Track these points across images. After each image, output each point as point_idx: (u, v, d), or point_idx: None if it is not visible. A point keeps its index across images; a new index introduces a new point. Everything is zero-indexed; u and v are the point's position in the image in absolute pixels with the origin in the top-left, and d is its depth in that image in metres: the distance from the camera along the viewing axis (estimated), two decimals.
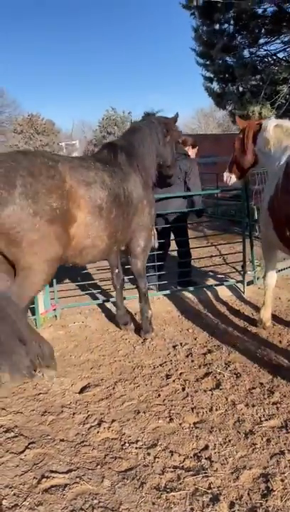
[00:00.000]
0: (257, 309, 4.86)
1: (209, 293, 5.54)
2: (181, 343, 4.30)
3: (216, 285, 5.69)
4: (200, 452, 2.71)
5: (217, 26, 8.44)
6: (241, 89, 8.62)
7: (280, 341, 4.26)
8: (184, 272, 5.77)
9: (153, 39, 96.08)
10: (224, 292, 5.58)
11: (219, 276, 6.26)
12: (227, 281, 5.85)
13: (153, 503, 2.31)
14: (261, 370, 3.69)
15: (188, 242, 5.87)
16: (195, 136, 21.27)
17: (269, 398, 3.26)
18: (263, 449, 2.70)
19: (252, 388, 3.41)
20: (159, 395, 3.37)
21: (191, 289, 5.50)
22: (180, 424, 3.00)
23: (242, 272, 5.73)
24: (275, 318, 4.74)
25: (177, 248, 5.85)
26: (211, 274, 6.40)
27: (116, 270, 4.63)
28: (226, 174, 4.70)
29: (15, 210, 2.96)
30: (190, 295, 5.47)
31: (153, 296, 5.23)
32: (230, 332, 4.52)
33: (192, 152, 5.94)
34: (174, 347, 4.23)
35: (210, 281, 5.99)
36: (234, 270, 6.35)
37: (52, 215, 3.12)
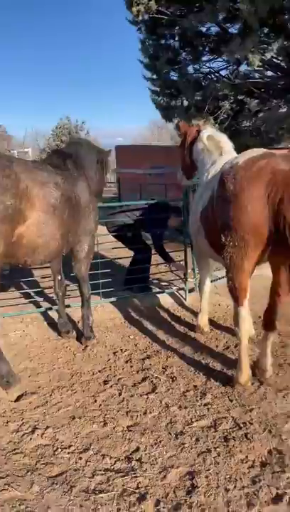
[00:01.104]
0: (197, 315, 5.02)
1: (152, 300, 5.65)
2: (122, 349, 4.37)
3: (159, 292, 5.82)
4: (131, 454, 2.78)
5: (162, 41, 8.71)
6: (186, 103, 8.92)
7: (216, 346, 4.44)
8: (141, 277, 5.89)
9: (113, 48, 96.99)
10: (167, 299, 5.72)
11: (163, 283, 6.39)
12: (170, 288, 6.00)
13: (81, 506, 2.35)
14: (196, 373, 3.83)
15: (146, 249, 6.00)
16: (146, 148, 21.48)
17: (201, 400, 3.39)
18: (191, 448, 2.81)
19: (186, 391, 3.54)
20: (96, 401, 3.42)
21: (135, 296, 5.59)
22: (113, 428, 3.06)
23: (184, 280, 5.90)
24: (214, 323, 4.93)
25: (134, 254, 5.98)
26: (156, 281, 6.53)
27: (59, 277, 4.64)
28: (179, 173, 4.92)
29: None
30: (133, 302, 5.55)
31: (97, 304, 5.27)
32: (170, 338, 4.64)
33: None
34: (114, 353, 4.29)
35: (154, 289, 6.11)
36: (178, 278, 6.52)
37: (4, 213, 3.14)
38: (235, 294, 3.38)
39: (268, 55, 6.23)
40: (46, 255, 3.78)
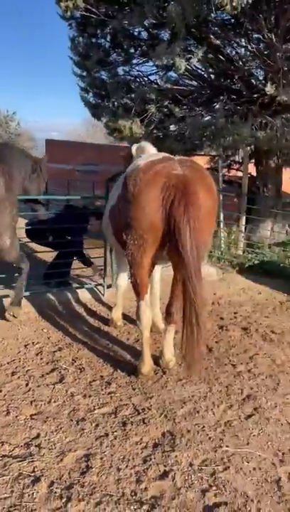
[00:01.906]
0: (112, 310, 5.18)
1: (70, 295, 5.71)
2: (33, 342, 4.40)
3: (77, 288, 5.90)
4: (31, 441, 2.86)
5: (93, 40, 8.77)
6: (115, 103, 9.06)
7: (127, 339, 4.62)
8: (61, 272, 5.91)
9: (47, 39, 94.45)
10: (85, 295, 5.80)
11: (82, 279, 6.47)
12: (88, 284, 6.09)
13: None
14: (104, 364, 3.98)
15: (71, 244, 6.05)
16: (78, 145, 21.32)
17: (106, 389, 3.54)
18: (90, 433, 2.95)
19: (93, 381, 3.67)
20: (1, 391, 3.43)
21: (52, 290, 5.62)
22: (16, 416, 3.11)
23: (102, 276, 6.03)
24: (127, 318, 5.11)
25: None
26: (75, 277, 6.58)
27: None
28: None
29: None
30: (50, 297, 5.57)
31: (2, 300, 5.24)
32: (84, 331, 4.75)
33: None
34: (25, 346, 4.32)
35: (73, 284, 6.16)
36: (98, 274, 6.63)
37: None
38: (136, 288, 3.59)
39: (193, 61, 6.54)
40: None
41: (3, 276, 5.31)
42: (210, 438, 2.94)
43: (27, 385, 3.56)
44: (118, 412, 3.21)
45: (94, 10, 7.21)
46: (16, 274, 4.85)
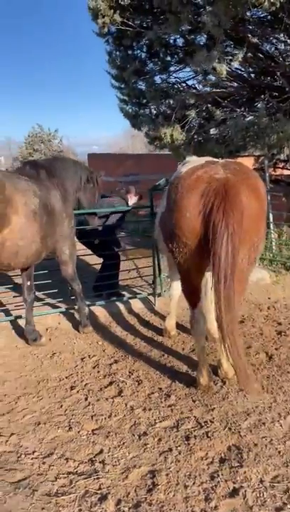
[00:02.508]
0: (165, 320, 5.11)
1: (121, 306, 5.71)
2: (89, 355, 4.41)
3: (129, 298, 5.89)
4: (94, 457, 2.83)
5: (129, 52, 8.85)
6: (154, 112, 9.07)
7: (183, 348, 4.54)
8: (111, 283, 5.95)
9: (82, 55, 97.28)
10: (136, 305, 5.79)
11: (133, 289, 6.46)
12: (139, 293, 6.07)
13: (43, 508, 2.38)
14: (161, 376, 3.91)
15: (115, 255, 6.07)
16: (118, 156, 21.68)
17: (166, 401, 3.47)
18: (153, 448, 2.88)
19: (151, 393, 3.61)
20: (61, 406, 3.45)
21: (103, 303, 5.64)
22: (78, 432, 3.10)
23: (152, 285, 6.00)
24: (181, 327, 5.03)
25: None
26: (126, 287, 6.59)
27: (28, 283, 4.69)
28: None
29: None
30: (103, 309, 5.59)
31: (58, 314, 5.32)
32: (138, 342, 4.71)
33: (132, 199, 6.23)
34: (82, 359, 4.33)
35: (124, 295, 6.16)
36: (147, 283, 6.61)
37: None
38: (187, 297, 3.50)
39: (234, 64, 6.43)
40: (28, 258, 4.04)
41: (55, 291, 5.41)
42: (279, 452, 2.79)
43: (86, 399, 3.56)
44: (180, 426, 3.12)
45: (129, 23, 7.27)
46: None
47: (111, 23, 7.02)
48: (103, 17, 6.80)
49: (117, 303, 5.73)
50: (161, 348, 4.55)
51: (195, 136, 8.71)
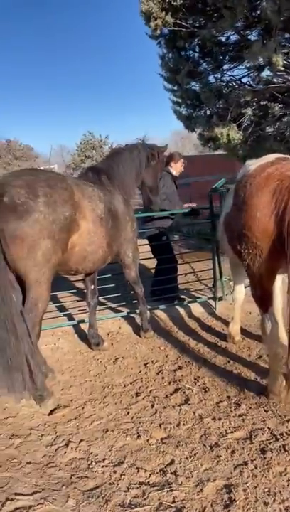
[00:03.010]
0: (228, 324, 4.95)
1: (181, 310, 5.61)
2: (152, 361, 4.34)
3: (188, 302, 5.77)
4: (166, 467, 2.74)
5: (182, 53, 8.77)
6: (208, 112, 8.92)
7: (249, 355, 4.35)
8: (170, 287, 5.88)
9: (131, 62, 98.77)
10: (196, 309, 5.66)
11: (192, 293, 6.34)
12: (199, 297, 5.94)
13: None
14: (229, 383, 3.76)
15: (172, 259, 6.00)
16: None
17: (236, 411, 3.31)
18: (227, 461, 2.75)
19: (220, 402, 3.47)
20: (128, 413, 3.40)
21: (164, 307, 5.57)
22: (147, 440, 3.03)
23: (213, 289, 5.84)
24: (245, 332, 4.84)
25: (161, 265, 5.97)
26: (185, 291, 6.48)
27: (92, 287, 4.72)
28: None
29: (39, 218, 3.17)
30: (163, 313, 5.53)
31: (119, 318, 5.31)
32: (201, 348, 4.59)
33: (175, 167, 6.12)
34: (145, 365, 4.27)
35: (183, 299, 6.06)
36: (206, 287, 6.47)
37: (63, 223, 3.36)
38: (258, 301, 3.34)
39: None
40: (95, 262, 4.06)
41: (116, 295, 5.41)
42: None
43: (152, 406, 3.48)
44: (253, 438, 2.96)
45: (182, 23, 7.19)
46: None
47: (164, 25, 6.97)
48: (155, 19, 6.78)
49: (177, 307, 5.64)
50: (226, 354, 4.39)
51: (253, 135, 8.46)
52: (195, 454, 2.83)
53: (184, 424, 3.19)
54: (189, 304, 5.70)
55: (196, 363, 4.21)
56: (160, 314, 5.49)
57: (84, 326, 5.11)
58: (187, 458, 2.81)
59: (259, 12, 5.96)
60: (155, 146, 5.01)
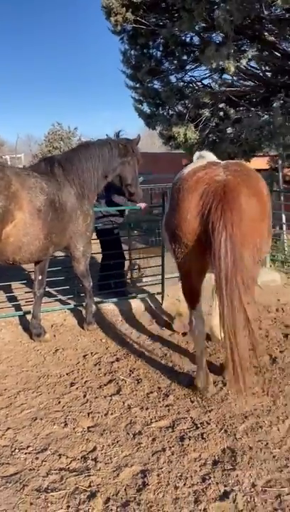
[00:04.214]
0: (172, 319, 5.08)
1: (128, 304, 5.70)
2: (92, 353, 4.42)
3: (135, 297, 5.87)
4: (88, 454, 2.83)
5: (145, 51, 8.83)
6: (169, 111, 9.03)
7: (187, 348, 4.50)
8: (118, 282, 5.98)
9: (102, 56, 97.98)
10: (144, 303, 5.76)
11: (142, 287, 6.43)
12: (147, 292, 6.05)
13: (31, 503, 2.40)
14: (162, 375, 3.89)
15: (121, 254, 6.09)
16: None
17: (163, 401, 3.45)
18: (147, 448, 2.87)
19: (150, 393, 3.59)
20: (59, 402, 3.47)
21: (114, 300, 5.65)
22: (73, 428, 3.11)
23: (161, 284, 5.97)
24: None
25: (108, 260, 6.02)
26: (134, 286, 6.57)
27: (40, 277, 4.73)
28: None
29: None
30: (110, 307, 5.60)
31: (65, 311, 5.35)
32: (142, 341, 4.70)
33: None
34: (84, 356, 4.35)
35: (130, 293, 6.15)
36: (155, 282, 6.58)
37: None
38: (186, 297, 3.47)
39: (243, 62, 6.34)
40: (32, 253, 4.09)
41: (67, 287, 5.43)
42: (274, 456, 2.73)
43: (84, 396, 3.57)
44: (175, 426, 3.09)
45: (144, 21, 7.25)
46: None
47: (124, 22, 7.00)
48: (116, 15, 6.80)
49: (125, 301, 5.73)
50: (165, 347, 4.52)
51: (210, 136, 8.64)
52: (117, 442, 2.94)
53: (112, 414, 3.29)
54: (137, 299, 5.79)
55: (134, 356, 4.32)
56: (108, 308, 5.56)
57: (30, 317, 5.12)
58: (109, 445, 2.91)
59: (215, 17, 6.10)
60: (127, 140, 4.96)
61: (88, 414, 3.29)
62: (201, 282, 3.39)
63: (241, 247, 2.94)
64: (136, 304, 5.70)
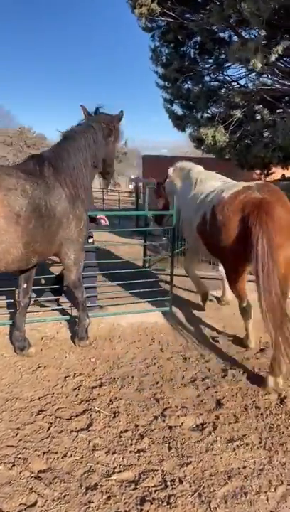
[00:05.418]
0: (174, 338, 4.54)
1: (131, 319, 5.19)
2: (75, 374, 3.94)
3: (139, 311, 5.35)
4: (25, 509, 2.34)
5: (179, 49, 8.33)
6: (199, 112, 8.47)
7: (183, 377, 3.93)
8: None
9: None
10: (147, 319, 5.24)
11: (145, 303, 5.85)
12: (151, 307, 5.51)
13: None
14: (144, 410, 3.34)
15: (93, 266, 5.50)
16: (174, 159, 21.20)
17: (136, 444, 2.91)
18: (97, 509, 2.34)
19: (124, 431, 3.06)
20: (17, 434, 3.00)
21: (107, 314, 5.16)
22: (20, 472, 2.63)
23: (169, 301, 5.43)
24: (187, 350, 4.42)
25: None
26: (137, 300, 5.99)
27: (25, 285, 4.30)
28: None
29: None
30: (110, 321, 5.11)
31: (60, 322, 4.92)
32: (135, 364, 4.17)
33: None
34: (65, 378, 3.87)
35: (134, 308, 5.62)
36: (161, 298, 6.02)
37: None
38: (237, 294, 4.22)
39: (272, 57, 5.69)
40: (9, 263, 3.62)
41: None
42: None
43: (49, 428, 3.08)
44: (140, 482, 2.54)
45: (170, 13, 6.76)
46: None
47: (149, 14, 6.53)
48: (141, 7, 6.34)
49: (128, 315, 5.22)
50: (158, 374, 3.97)
51: (242, 139, 8.00)
52: (64, 497, 2.43)
53: (71, 456, 2.78)
54: (139, 314, 5.28)
55: (121, 381, 3.79)
56: (107, 322, 5.08)
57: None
58: (54, 500, 2.40)
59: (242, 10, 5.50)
60: (110, 117, 4.30)
61: (43, 454, 2.80)
62: (245, 280, 4.14)
63: (277, 247, 3.53)
64: (141, 320, 5.18)
